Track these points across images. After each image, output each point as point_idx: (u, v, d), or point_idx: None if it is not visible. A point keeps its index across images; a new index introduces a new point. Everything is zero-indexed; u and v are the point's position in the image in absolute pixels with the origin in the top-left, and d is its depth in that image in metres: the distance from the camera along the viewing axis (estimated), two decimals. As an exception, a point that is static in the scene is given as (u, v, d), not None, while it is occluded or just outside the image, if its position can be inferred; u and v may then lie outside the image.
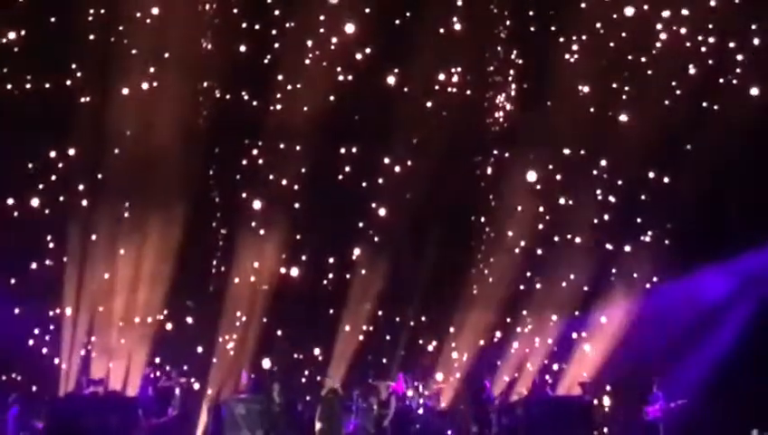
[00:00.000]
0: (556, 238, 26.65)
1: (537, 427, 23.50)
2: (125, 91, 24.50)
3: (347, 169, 26.41)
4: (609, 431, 25.08)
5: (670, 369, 24.50)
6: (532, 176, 26.14)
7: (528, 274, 26.78)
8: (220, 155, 25.81)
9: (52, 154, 24.78)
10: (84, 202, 24.66)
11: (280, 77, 25.66)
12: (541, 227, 26.55)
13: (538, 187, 26.38)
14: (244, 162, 26.01)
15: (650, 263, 26.11)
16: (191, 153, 24.39)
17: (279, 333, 25.96)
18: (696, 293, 25.03)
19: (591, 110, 26.03)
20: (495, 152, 27.27)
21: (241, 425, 23.10)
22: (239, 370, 25.05)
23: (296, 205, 25.85)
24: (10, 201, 24.45)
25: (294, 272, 25.88)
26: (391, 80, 26.32)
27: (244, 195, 25.65)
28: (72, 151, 24.76)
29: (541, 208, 26.59)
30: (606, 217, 26.59)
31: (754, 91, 25.61)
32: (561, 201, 26.77)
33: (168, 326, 25.21)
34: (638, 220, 26.56)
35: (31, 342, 24.34)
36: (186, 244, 24.46)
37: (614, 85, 26.54)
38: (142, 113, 24.31)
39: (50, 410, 22.23)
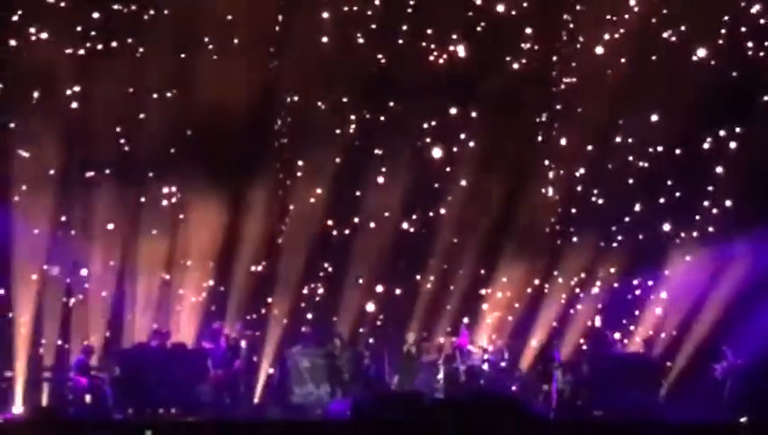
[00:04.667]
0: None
1: (602, 383, 23.46)
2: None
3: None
4: (674, 388, 24.94)
5: (738, 325, 24.24)
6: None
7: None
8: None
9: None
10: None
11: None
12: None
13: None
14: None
15: (716, 221, 25.93)
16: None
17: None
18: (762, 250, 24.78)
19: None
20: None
21: (306, 378, 23.33)
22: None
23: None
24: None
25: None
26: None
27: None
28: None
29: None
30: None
31: None
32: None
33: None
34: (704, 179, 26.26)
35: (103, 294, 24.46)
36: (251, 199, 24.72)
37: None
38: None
39: (118, 362, 22.51)
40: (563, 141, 26.47)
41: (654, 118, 25.98)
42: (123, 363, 22.29)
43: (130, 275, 24.36)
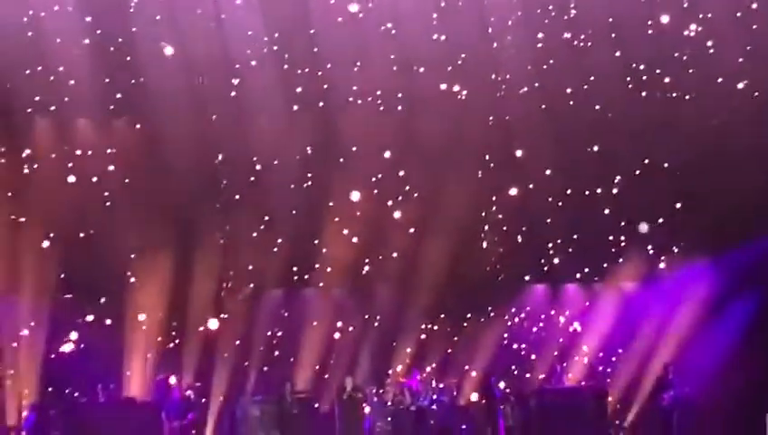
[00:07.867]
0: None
1: (551, 418, 23.63)
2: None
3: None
4: (623, 420, 25.24)
5: (686, 354, 24.62)
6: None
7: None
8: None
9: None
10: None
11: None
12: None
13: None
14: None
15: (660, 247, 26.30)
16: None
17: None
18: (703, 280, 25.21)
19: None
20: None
21: (256, 427, 23.11)
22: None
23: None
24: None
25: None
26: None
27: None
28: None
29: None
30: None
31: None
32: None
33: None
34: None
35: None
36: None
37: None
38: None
39: (67, 419, 21.97)
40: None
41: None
42: (72, 422, 21.76)
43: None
